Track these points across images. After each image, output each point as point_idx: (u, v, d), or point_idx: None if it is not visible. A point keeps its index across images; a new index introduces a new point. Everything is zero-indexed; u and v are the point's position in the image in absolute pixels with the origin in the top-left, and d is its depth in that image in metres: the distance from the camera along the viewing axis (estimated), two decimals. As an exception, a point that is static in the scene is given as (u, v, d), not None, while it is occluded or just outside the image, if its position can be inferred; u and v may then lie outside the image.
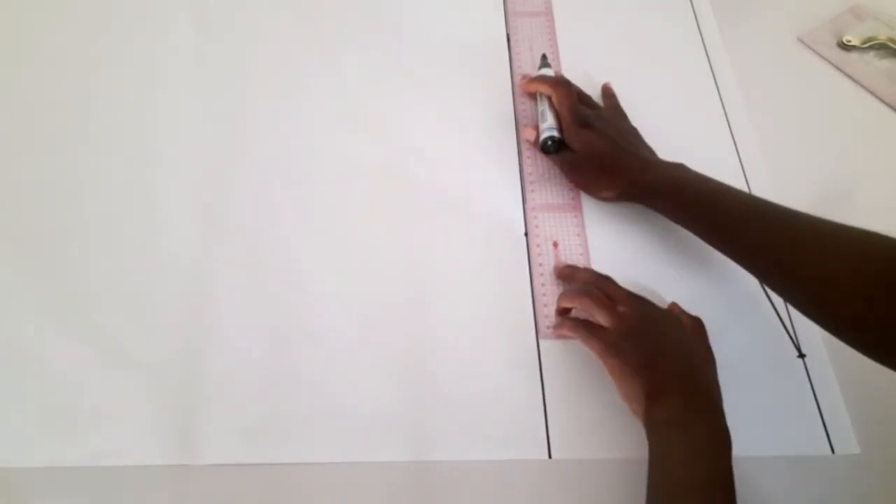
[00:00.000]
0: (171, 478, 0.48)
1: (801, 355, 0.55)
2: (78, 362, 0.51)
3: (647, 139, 0.62)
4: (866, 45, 0.71)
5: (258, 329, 0.53)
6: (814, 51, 0.71)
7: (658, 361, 0.48)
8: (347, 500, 0.48)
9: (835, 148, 0.65)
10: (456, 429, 0.50)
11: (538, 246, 0.58)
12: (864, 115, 0.67)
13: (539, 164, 0.63)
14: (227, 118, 0.63)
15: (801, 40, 0.72)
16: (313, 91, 0.65)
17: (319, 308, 0.55)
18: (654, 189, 0.56)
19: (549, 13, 0.72)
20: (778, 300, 0.57)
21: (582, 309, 0.53)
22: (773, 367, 0.54)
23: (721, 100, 0.67)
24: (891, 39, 0.71)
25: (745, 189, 0.62)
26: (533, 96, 0.65)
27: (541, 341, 0.54)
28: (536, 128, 0.62)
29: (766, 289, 0.57)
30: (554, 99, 0.61)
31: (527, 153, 0.63)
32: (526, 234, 0.59)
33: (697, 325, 0.53)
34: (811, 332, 0.55)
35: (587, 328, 0.51)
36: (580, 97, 0.61)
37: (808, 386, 0.53)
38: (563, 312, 0.55)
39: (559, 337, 0.54)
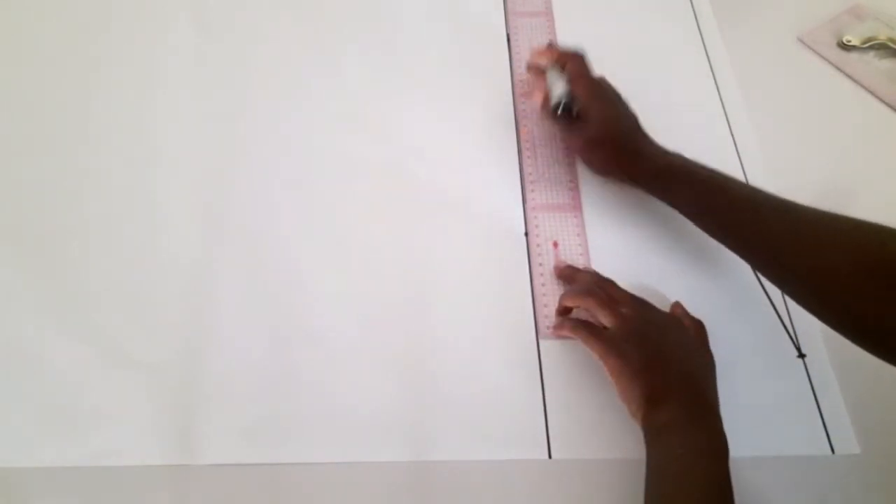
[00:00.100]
0: (171, 478, 0.48)
1: (801, 355, 0.55)
2: (78, 362, 0.51)
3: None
4: (866, 45, 0.71)
5: (258, 329, 0.53)
6: (814, 51, 0.71)
7: (658, 365, 0.48)
8: (347, 500, 0.48)
9: (835, 148, 0.65)
10: (456, 429, 0.50)
11: (538, 246, 0.58)
12: (864, 115, 0.67)
13: (539, 164, 0.63)
14: (227, 118, 0.63)
15: (801, 40, 0.72)
16: (313, 91, 0.65)
17: (319, 308, 0.55)
18: (664, 175, 0.55)
19: (549, 13, 0.72)
20: (778, 300, 0.57)
21: (584, 309, 0.53)
22: (773, 367, 0.54)
23: (721, 100, 0.67)
24: (891, 39, 0.71)
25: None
26: (539, 74, 0.62)
27: (541, 341, 0.54)
28: (545, 93, 0.59)
29: (766, 289, 0.57)
30: (570, 67, 0.58)
31: (527, 153, 0.63)
32: (526, 234, 0.59)
33: (699, 327, 0.53)
34: (811, 332, 0.55)
35: (588, 329, 0.51)
36: None
37: (808, 386, 0.53)
38: (563, 312, 0.55)
39: (559, 337, 0.54)
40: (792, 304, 0.56)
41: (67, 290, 0.54)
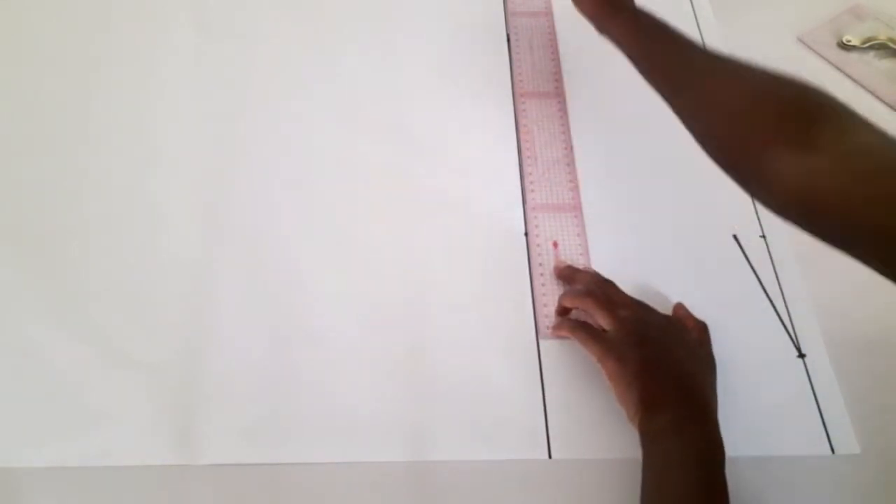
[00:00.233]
0: (171, 478, 0.48)
1: (801, 355, 0.55)
2: (78, 362, 0.51)
3: (648, 140, 0.62)
4: (866, 45, 0.71)
5: (258, 329, 0.53)
6: (814, 51, 0.71)
7: (656, 369, 0.48)
8: (347, 500, 0.48)
9: (835, 148, 0.65)
10: (456, 429, 0.50)
11: (538, 246, 0.58)
12: (864, 115, 0.67)
13: (539, 164, 0.63)
14: (227, 118, 0.63)
15: (801, 40, 0.72)
16: (313, 91, 0.65)
17: (319, 308, 0.55)
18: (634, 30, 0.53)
19: (549, 13, 0.72)
20: (778, 300, 0.57)
21: (583, 310, 0.53)
22: (773, 367, 0.54)
23: (721, 100, 0.67)
24: (891, 39, 0.71)
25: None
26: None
27: (541, 341, 0.54)
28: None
29: (766, 289, 0.57)
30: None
31: (527, 153, 0.63)
32: (526, 234, 0.59)
33: (701, 329, 0.53)
34: (811, 332, 0.55)
35: (586, 330, 0.51)
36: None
37: (808, 386, 0.53)
38: (563, 312, 0.55)
39: (558, 337, 0.54)
40: (792, 304, 0.56)
41: (67, 290, 0.54)
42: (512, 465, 0.49)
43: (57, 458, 0.48)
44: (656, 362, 0.48)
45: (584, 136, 0.64)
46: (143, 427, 0.50)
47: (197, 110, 0.63)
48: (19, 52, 0.66)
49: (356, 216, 0.59)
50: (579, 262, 0.57)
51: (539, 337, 0.54)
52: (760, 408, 0.52)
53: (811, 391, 0.53)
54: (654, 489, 0.44)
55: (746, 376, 0.53)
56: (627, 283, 0.54)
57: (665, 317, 0.52)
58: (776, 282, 0.58)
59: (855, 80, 0.69)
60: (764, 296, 0.57)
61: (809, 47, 0.71)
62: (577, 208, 0.60)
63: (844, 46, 0.71)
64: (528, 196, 0.61)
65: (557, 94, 0.67)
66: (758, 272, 0.58)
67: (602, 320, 0.51)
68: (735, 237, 0.60)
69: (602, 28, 0.58)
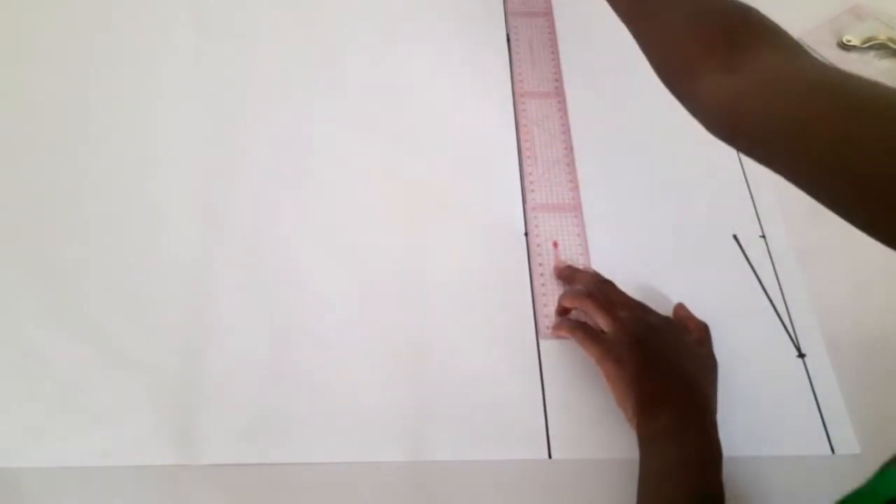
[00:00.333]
0: (171, 478, 0.48)
1: (801, 355, 0.55)
2: (78, 362, 0.51)
3: (647, 142, 0.62)
4: (866, 45, 0.71)
5: (258, 329, 0.53)
6: (814, 51, 0.71)
7: (654, 371, 0.48)
8: (347, 500, 0.48)
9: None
10: (456, 429, 0.50)
11: (538, 246, 0.58)
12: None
13: (539, 164, 0.63)
14: (227, 118, 0.63)
15: (801, 40, 0.72)
16: (313, 91, 0.65)
17: (319, 308, 0.55)
18: None
19: (549, 13, 0.72)
20: (778, 300, 0.57)
21: (582, 311, 0.53)
22: (773, 367, 0.54)
23: (721, 100, 0.67)
24: (891, 39, 0.71)
25: (747, 192, 0.62)
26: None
27: (541, 341, 0.54)
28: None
29: (766, 289, 0.57)
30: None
31: (527, 153, 0.63)
32: (526, 234, 0.59)
33: (702, 329, 0.53)
34: (811, 332, 0.55)
35: (585, 331, 0.51)
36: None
37: (808, 386, 0.53)
38: (563, 312, 0.55)
39: (557, 337, 0.54)
40: (792, 304, 0.56)
41: (67, 290, 0.54)
42: (512, 465, 0.49)
43: (57, 458, 0.48)
44: (654, 364, 0.48)
45: (584, 136, 0.64)
46: (143, 427, 0.50)
47: (197, 110, 0.63)
48: (19, 52, 0.66)
49: (356, 216, 0.59)
50: (579, 262, 0.57)
51: (539, 337, 0.54)
52: (760, 408, 0.52)
53: (811, 391, 0.53)
54: (649, 491, 0.44)
55: (746, 376, 0.53)
56: (627, 283, 0.54)
57: (665, 318, 0.52)
58: (776, 282, 0.58)
59: (855, 80, 0.69)
60: (764, 296, 0.57)
61: (809, 47, 0.71)
62: (577, 208, 0.60)
63: (844, 46, 0.71)
64: (528, 196, 0.61)
65: (557, 94, 0.67)
66: (758, 272, 0.58)
67: (601, 321, 0.51)
68: (735, 237, 0.60)
69: None
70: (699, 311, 0.54)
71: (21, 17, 0.68)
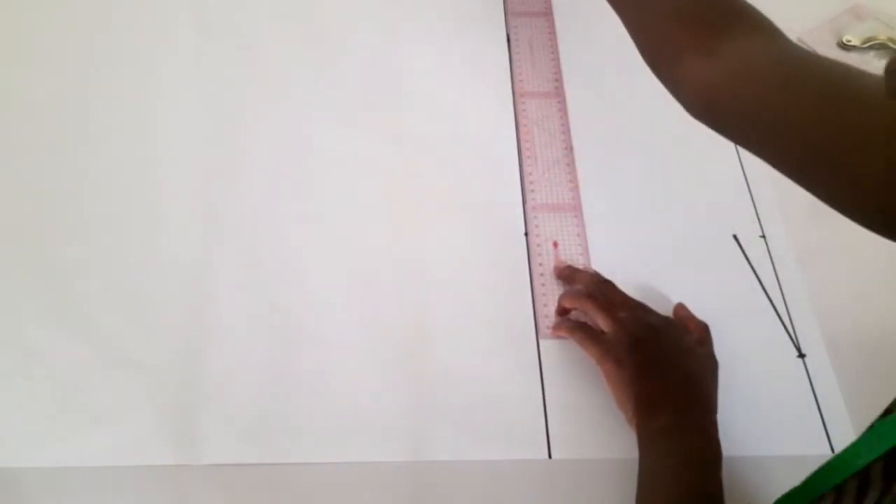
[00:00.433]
0: (171, 478, 0.48)
1: (801, 355, 0.55)
2: (78, 362, 0.51)
3: (647, 142, 0.62)
4: (866, 45, 0.71)
5: (258, 329, 0.53)
6: (814, 51, 0.71)
7: (654, 372, 0.48)
8: (347, 500, 0.48)
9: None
10: (456, 429, 0.50)
11: (538, 246, 0.58)
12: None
13: (539, 164, 0.63)
14: (227, 118, 0.63)
15: (801, 40, 0.72)
16: (313, 91, 0.65)
17: (319, 308, 0.55)
18: None
19: (549, 13, 0.72)
20: (778, 300, 0.57)
21: (582, 311, 0.53)
22: (773, 367, 0.54)
23: (721, 100, 0.67)
24: (891, 39, 0.71)
25: (747, 192, 0.62)
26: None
27: (541, 341, 0.54)
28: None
29: (767, 289, 0.57)
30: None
31: (527, 153, 0.63)
32: (526, 234, 0.59)
33: (703, 330, 0.53)
34: (811, 332, 0.55)
35: (585, 332, 0.51)
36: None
37: (808, 386, 0.53)
38: (562, 312, 0.55)
39: (557, 337, 0.54)
40: (792, 304, 0.56)
41: (67, 290, 0.54)
42: (512, 465, 0.49)
43: (57, 458, 0.48)
44: (654, 364, 0.48)
45: (584, 136, 0.64)
46: (143, 427, 0.50)
47: (197, 110, 0.63)
48: (19, 52, 0.66)
49: (356, 216, 0.59)
50: (579, 262, 0.57)
51: (539, 337, 0.54)
52: (760, 408, 0.52)
53: (811, 391, 0.53)
54: (649, 491, 0.44)
55: (746, 376, 0.53)
56: (627, 284, 0.54)
57: (665, 318, 0.52)
58: (776, 282, 0.58)
59: (855, 80, 0.69)
60: (764, 296, 0.57)
61: (809, 47, 0.71)
62: (577, 208, 0.60)
63: (844, 46, 0.71)
64: (528, 196, 0.61)
65: (557, 94, 0.67)
66: (758, 272, 0.58)
67: (601, 322, 0.51)
68: (735, 237, 0.60)
69: None
70: (699, 311, 0.54)
71: (21, 17, 0.68)
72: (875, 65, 0.70)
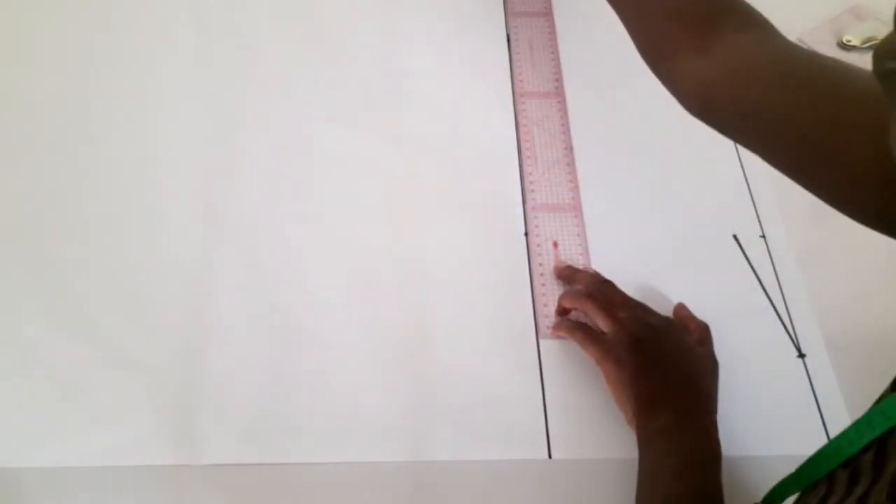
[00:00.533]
0: (171, 478, 0.48)
1: (801, 355, 0.55)
2: (78, 362, 0.51)
3: (647, 142, 0.62)
4: (866, 45, 0.71)
5: (258, 329, 0.53)
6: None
7: (654, 372, 0.48)
8: (347, 500, 0.48)
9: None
10: (456, 429, 0.50)
11: (538, 246, 0.58)
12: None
13: (539, 164, 0.63)
14: (227, 118, 0.63)
15: (801, 40, 0.72)
16: (313, 91, 0.65)
17: (319, 308, 0.55)
18: None
19: (549, 13, 0.72)
20: (778, 300, 0.57)
21: (582, 311, 0.53)
22: (773, 367, 0.54)
23: (721, 100, 0.67)
24: (891, 39, 0.71)
25: (747, 192, 0.62)
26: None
27: (541, 341, 0.54)
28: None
29: (767, 289, 0.57)
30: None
31: (527, 153, 0.63)
32: (526, 234, 0.59)
33: (703, 330, 0.53)
34: (811, 332, 0.55)
35: (584, 332, 0.51)
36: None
37: (808, 386, 0.53)
38: (562, 312, 0.54)
39: (556, 337, 0.54)
40: (792, 304, 0.56)
41: (67, 290, 0.54)
42: (512, 465, 0.49)
43: (57, 458, 0.48)
44: (654, 364, 0.48)
45: (584, 136, 0.64)
46: (143, 427, 0.50)
47: (197, 110, 0.63)
48: (19, 52, 0.66)
49: (356, 216, 0.59)
50: (579, 262, 0.57)
51: (539, 337, 0.54)
52: (760, 408, 0.52)
53: (811, 391, 0.53)
54: (648, 491, 0.44)
55: (746, 376, 0.53)
56: (627, 284, 0.54)
57: (665, 318, 0.52)
58: (776, 282, 0.58)
59: (855, 80, 0.69)
60: (764, 296, 0.57)
61: (809, 47, 0.71)
62: (577, 208, 0.60)
63: (844, 46, 0.71)
64: (528, 196, 0.61)
65: (557, 94, 0.67)
66: (758, 272, 0.58)
67: (601, 322, 0.51)
68: (735, 237, 0.60)
69: None
70: (699, 311, 0.54)
71: (21, 17, 0.68)
72: (875, 65, 0.70)
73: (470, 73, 0.67)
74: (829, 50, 0.71)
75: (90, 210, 0.58)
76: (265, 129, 0.63)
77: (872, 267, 0.57)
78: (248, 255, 0.57)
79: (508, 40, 0.70)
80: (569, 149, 0.64)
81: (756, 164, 0.63)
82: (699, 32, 0.44)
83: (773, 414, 0.52)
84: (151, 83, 0.65)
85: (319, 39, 0.68)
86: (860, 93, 0.36)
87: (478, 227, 0.59)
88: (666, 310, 0.54)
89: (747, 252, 0.59)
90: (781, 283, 0.57)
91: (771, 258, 0.59)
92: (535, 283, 0.57)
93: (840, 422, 0.52)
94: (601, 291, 0.52)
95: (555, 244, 0.59)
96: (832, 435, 0.51)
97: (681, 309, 0.54)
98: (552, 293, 0.56)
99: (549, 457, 0.50)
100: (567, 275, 0.56)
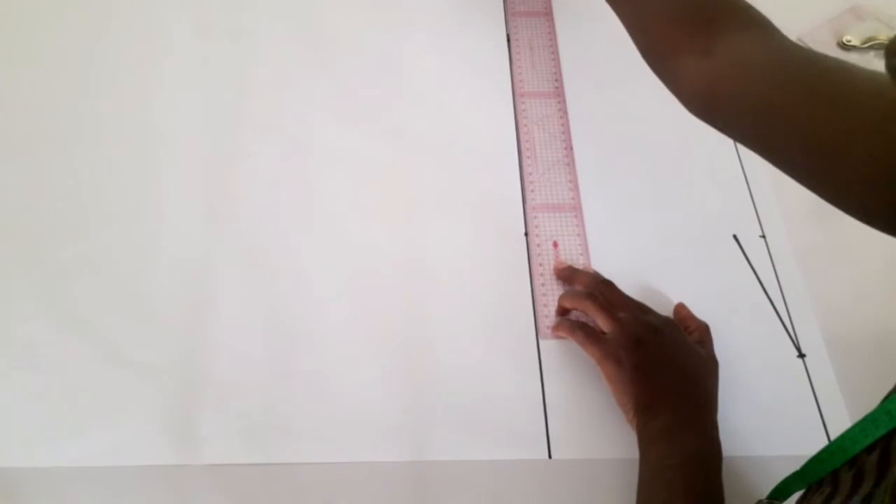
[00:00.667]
0: (171, 478, 0.48)
1: (801, 355, 0.55)
2: (78, 362, 0.51)
3: (647, 142, 0.62)
4: (866, 45, 0.71)
5: (258, 329, 0.53)
6: (813, 51, 0.71)
7: (654, 372, 0.48)
8: (347, 500, 0.48)
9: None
10: (456, 429, 0.50)
11: (538, 246, 0.58)
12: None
13: (539, 164, 0.63)
14: (228, 118, 0.63)
15: (801, 40, 0.72)
16: (313, 92, 0.65)
17: (319, 308, 0.55)
18: None
19: (549, 13, 0.72)
20: (778, 300, 0.57)
21: (582, 311, 0.53)
22: (773, 367, 0.54)
23: (721, 100, 0.67)
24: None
25: (747, 192, 0.62)
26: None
27: (541, 341, 0.54)
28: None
29: (766, 289, 0.57)
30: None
31: (527, 153, 0.63)
32: (526, 234, 0.59)
33: (703, 330, 0.53)
34: (811, 332, 0.55)
35: (585, 332, 0.51)
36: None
37: (808, 386, 0.53)
38: (562, 312, 0.55)
39: (556, 337, 0.54)
40: (792, 304, 0.56)
41: (67, 290, 0.54)
42: (512, 465, 0.49)
43: (57, 458, 0.48)
44: (654, 365, 0.48)
45: (584, 136, 0.64)
46: (143, 427, 0.50)
47: (197, 110, 0.63)
48: (19, 52, 0.66)
49: (356, 216, 0.59)
50: (579, 262, 0.57)
51: (539, 337, 0.54)
52: (760, 408, 0.52)
53: (811, 391, 0.53)
54: (649, 491, 0.44)
55: (746, 376, 0.53)
56: (627, 284, 0.54)
57: (665, 318, 0.52)
58: (776, 282, 0.58)
59: (855, 80, 0.69)
60: (764, 296, 0.57)
61: (809, 47, 0.71)
62: (577, 208, 0.60)
63: (844, 46, 0.71)
64: (528, 196, 0.61)
65: (557, 94, 0.67)
66: (758, 272, 0.58)
67: (601, 322, 0.51)
68: (735, 237, 0.60)
69: None
70: (699, 311, 0.54)
71: (21, 17, 0.68)
72: (875, 65, 0.70)
73: (470, 73, 0.67)
74: (829, 50, 0.71)
75: (90, 210, 0.58)
76: (265, 128, 0.63)
77: (872, 267, 0.58)
78: (248, 254, 0.57)
79: (508, 40, 0.70)
80: (569, 149, 0.64)
81: (756, 164, 0.63)
82: (700, 33, 0.44)
83: (773, 414, 0.52)
84: (152, 83, 0.65)
85: (319, 39, 0.68)
86: (862, 91, 0.36)
87: (478, 226, 0.59)
88: (666, 310, 0.54)
89: (747, 252, 0.59)
90: (781, 283, 0.57)
91: (771, 258, 0.59)
92: (535, 283, 0.57)
93: (840, 422, 0.52)
94: (601, 291, 0.52)
95: (555, 244, 0.59)
96: (832, 435, 0.51)
97: (681, 309, 0.54)
98: (552, 293, 0.56)
99: (549, 457, 0.50)
100: (567, 275, 0.56)
